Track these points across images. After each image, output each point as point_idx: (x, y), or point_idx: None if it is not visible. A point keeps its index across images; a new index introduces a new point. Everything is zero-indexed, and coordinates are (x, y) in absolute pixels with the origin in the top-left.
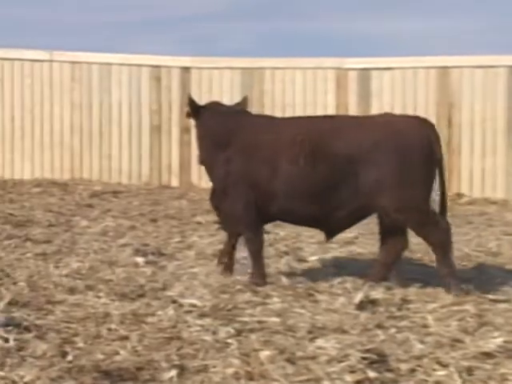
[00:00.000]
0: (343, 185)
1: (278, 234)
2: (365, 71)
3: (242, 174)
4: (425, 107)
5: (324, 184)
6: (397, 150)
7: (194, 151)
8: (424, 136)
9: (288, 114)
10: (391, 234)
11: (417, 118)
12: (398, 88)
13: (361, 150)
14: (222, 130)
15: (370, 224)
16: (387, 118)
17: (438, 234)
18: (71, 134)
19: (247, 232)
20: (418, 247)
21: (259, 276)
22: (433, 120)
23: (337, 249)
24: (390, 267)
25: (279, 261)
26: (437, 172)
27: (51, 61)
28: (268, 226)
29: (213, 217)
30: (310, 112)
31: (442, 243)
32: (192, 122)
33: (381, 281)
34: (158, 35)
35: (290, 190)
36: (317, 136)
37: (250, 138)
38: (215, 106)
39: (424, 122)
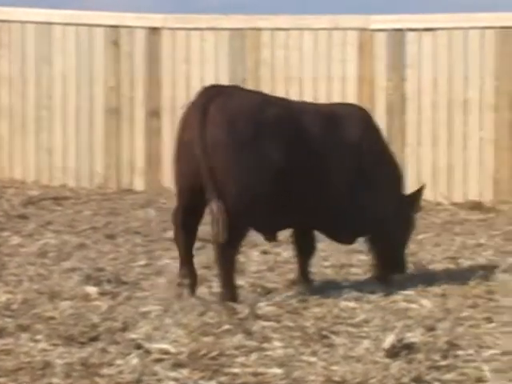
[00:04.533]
0: None
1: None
2: (398, 33)
3: None
4: (479, 80)
5: None
6: None
7: (166, 143)
8: (184, 117)
9: (293, 90)
10: None
11: (201, 95)
12: (442, 55)
13: None
14: None
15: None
16: None
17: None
18: None
19: None
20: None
21: None
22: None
23: (358, 274)
24: None
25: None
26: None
27: None
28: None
29: None
30: (322, 87)
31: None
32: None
33: None
34: None
35: None
36: None
37: None
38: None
39: (198, 100)
